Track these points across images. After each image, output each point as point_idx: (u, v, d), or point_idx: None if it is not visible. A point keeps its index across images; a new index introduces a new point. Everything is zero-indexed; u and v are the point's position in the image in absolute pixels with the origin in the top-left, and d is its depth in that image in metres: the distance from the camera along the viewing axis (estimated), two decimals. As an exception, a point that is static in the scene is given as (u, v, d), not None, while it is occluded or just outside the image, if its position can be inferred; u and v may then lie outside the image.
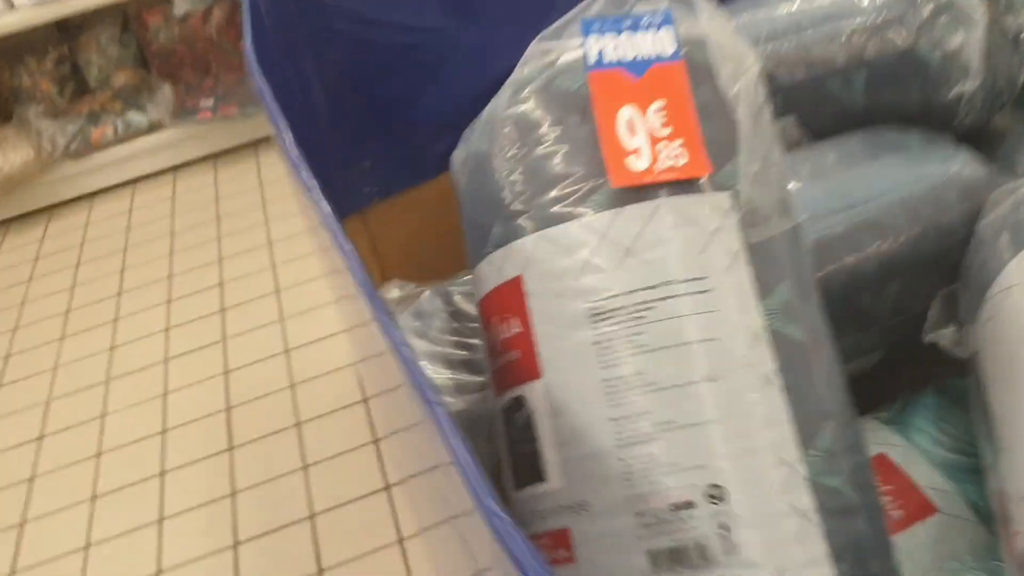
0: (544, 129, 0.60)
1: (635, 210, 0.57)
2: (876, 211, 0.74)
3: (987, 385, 0.63)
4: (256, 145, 2.59)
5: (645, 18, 0.60)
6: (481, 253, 0.63)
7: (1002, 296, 0.63)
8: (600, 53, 0.59)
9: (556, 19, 1.14)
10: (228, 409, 1.76)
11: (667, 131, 0.58)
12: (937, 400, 0.77)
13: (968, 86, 0.80)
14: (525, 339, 0.59)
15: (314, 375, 1.79)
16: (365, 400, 1.72)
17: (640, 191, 0.57)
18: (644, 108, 0.58)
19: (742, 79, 0.60)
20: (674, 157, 0.57)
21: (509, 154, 0.61)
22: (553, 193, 0.59)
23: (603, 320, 0.56)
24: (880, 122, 0.84)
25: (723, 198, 0.58)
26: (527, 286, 0.59)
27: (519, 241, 0.60)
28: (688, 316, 0.55)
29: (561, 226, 0.58)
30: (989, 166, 0.79)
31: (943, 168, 0.77)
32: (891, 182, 0.76)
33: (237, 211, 2.35)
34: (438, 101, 1.13)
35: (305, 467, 1.60)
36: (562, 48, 0.62)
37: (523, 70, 0.63)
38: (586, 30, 0.59)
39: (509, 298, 0.60)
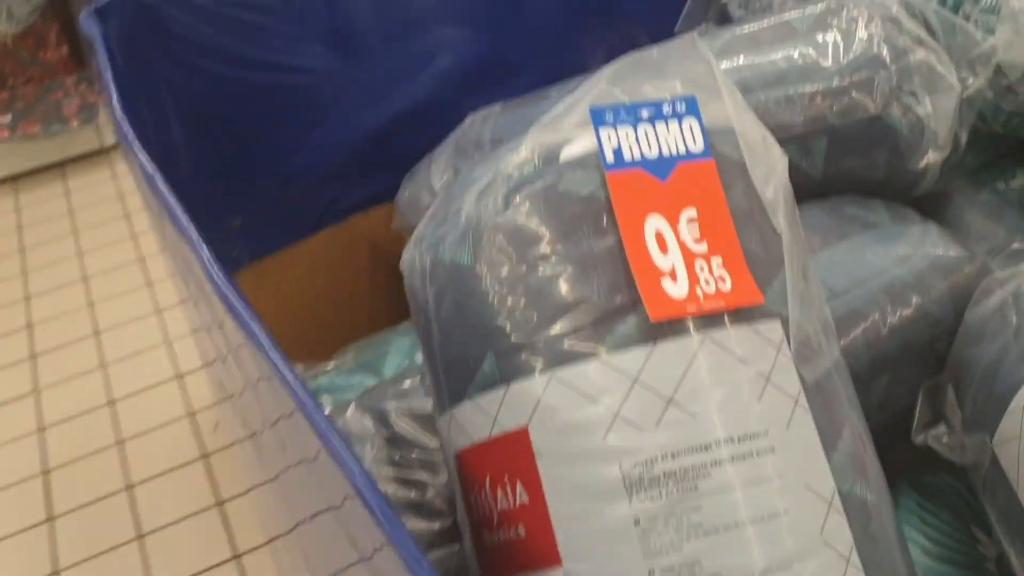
0: (548, 243, 0.47)
1: (672, 348, 0.45)
2: (861, 300, 0.66)
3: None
4: (64, 166, 2.29)
5: (665, 106, 0.47)
6: (463, 391, 0.49)
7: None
8: (617, 150, 0.46)
9: (452, 61, 1.01)
10: (45, 472, 1.53)
11: (702, 247, 0.46)
12: (917, 501, 0.69)
13: (936, 156, 0.73)
14: (535, 512, 0.46)
15: (144, 429, 1.58)
16: (206, 456, 1.53)
17: (674, 323, 0.45)
18: (674, 218, 0.46)
19: (775, 178, 0.49)
20: (716, 280, 0.45)
21: (504, 272, 0.47)
22: (563, 324, 0.46)
23: (644, 492, 0.44)
24: (836, 192, 0.76)
25: (773, 328, 0.46)
26: (537, 442, 0.46)
27: (523, 382, 0.46)
28: (751, 485, 0.44)
29: (578, 366, 0.45)
30: (957, 240, 0.72)
31: (921, 248, 0.70)
32: (872, 267, 0.68)
33: (44, 241, 2.07)
34: (316, 150, 0.97)
35: (140, 537, 1.40)
36: (562, 139, 0.48)
37: (519, 166, 0.49)
38: (597, 121, 0.46)
39: (510, 456, 0.47)
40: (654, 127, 0.47)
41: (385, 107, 0.97)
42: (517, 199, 0.48)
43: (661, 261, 0.45)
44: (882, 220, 0.72)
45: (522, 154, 0.49)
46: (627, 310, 0.45)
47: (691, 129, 0.47)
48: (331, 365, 0.85)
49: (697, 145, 0.47)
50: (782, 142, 0.73)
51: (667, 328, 0.45)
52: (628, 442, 0.44)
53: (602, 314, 0.46)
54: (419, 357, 0.80)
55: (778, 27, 0.79)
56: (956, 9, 0.78)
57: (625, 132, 0.47)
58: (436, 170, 0.90)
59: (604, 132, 0.47)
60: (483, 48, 0.98)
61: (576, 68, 0.90)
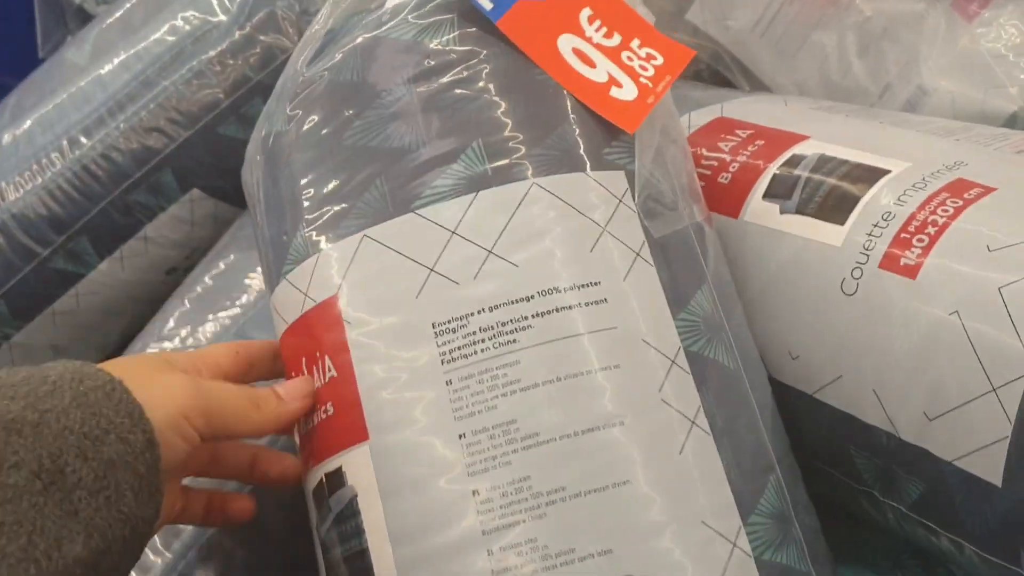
0: (367, 96, 0.40)
1: (495, 196, 0.37)
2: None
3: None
4: None
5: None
6: (279, 272, 0.41)
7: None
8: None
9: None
10: None
11: (616, 40, 0.41)
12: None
13: None
14: (343, 386, 0.38)
15: None
16: None
17: (499, 171, 0.37)
18: (577, 28, 0.41)
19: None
20: (648, 60, 0.41)
21: (320, 131, 0.40)
22: (382, 181, 0.38)
23: (457, 349, 0.35)
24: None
25: (615, 178, 0.38)
26: (345, 309, 0.38)
27: (333, 247, 0.39)
28: (577, 336, 0.35)
29: (392, 223, 0.37)
30: None
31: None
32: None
33: None
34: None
35: None
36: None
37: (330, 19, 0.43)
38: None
39: (320, 329, 0.39)
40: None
41: None
42: (339, 53, 0.41)
43: (597, 75, 0.40)
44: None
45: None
46: (450, 159, 0.38)
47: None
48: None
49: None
50: (215, 120, 0.64)
51: (489, 177, 0.37)
52: (442, 298, 0.36)
53: (422, 167, 0.38)
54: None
55: (147, 2, 0.68)
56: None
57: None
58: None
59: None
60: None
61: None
